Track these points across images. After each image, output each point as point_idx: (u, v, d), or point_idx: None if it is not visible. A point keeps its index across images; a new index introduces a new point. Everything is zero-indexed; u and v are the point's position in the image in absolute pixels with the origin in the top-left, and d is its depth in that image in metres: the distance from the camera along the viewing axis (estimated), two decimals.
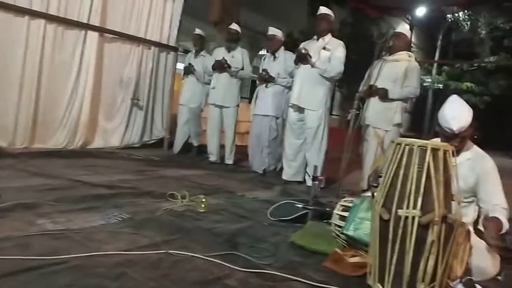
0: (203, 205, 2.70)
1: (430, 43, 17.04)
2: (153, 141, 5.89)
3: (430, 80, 15.48)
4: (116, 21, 5.20)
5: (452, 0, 7.04)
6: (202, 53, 5.49)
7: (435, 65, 15.95)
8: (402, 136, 3.69)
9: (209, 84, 5.23)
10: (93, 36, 4.92)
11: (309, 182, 3.76)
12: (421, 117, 15.71)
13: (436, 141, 2.29)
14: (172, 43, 5.87)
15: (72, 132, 4.83)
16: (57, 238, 1.92)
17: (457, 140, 2.02)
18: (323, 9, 4.15)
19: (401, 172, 1.60)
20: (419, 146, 1.58)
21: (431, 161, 1.56)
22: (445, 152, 1.58)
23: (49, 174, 3.27)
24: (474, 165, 2.11)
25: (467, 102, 2.06)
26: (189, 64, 5.43)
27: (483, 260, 1.93)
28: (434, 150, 1.57)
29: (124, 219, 2.36)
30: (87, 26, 4.83)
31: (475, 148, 2.18)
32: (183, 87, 5.57)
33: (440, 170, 1.56)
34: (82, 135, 4.94)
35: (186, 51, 6.18)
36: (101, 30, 4.99)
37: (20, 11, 4.23)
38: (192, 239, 2.13)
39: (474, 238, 1.96)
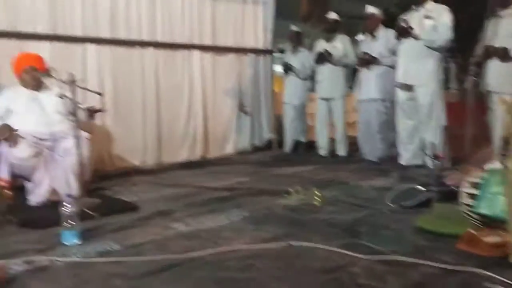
0: (317, 198, 2.71)
1: None
2: (262, 144, 6.10)
3: None
4: (214, 35, 5.52)
5: None
6: (300, 49, 5.55)
7: None
8: None
9: (307, 80, 5.22)
10: (196, 54, 5.32)
11: (430, 164, 3.48)
12: None
13: None
14: (267, 47, 6.03)
15: (191, 146, 5.28)
16: (190, 239, 2.14)
17: None
18: None
19: None
20: None
21: None
22: None
23: (177, 184, 3.64)
24: None
25: None
26: (286, 62, 5.51)
27: None
28: None
29: (245, 217, 2.52)
30: (191, 47, 5.24)
31: None
32: (286, 85, 5.69)
33: None
34: (201, 147, 5.38)
35: (281, 51, 6.27)
36: (201, 48, 5.35)
37: (131, 43, 4.74)
38: (311, 231, 2.18)
39: None
